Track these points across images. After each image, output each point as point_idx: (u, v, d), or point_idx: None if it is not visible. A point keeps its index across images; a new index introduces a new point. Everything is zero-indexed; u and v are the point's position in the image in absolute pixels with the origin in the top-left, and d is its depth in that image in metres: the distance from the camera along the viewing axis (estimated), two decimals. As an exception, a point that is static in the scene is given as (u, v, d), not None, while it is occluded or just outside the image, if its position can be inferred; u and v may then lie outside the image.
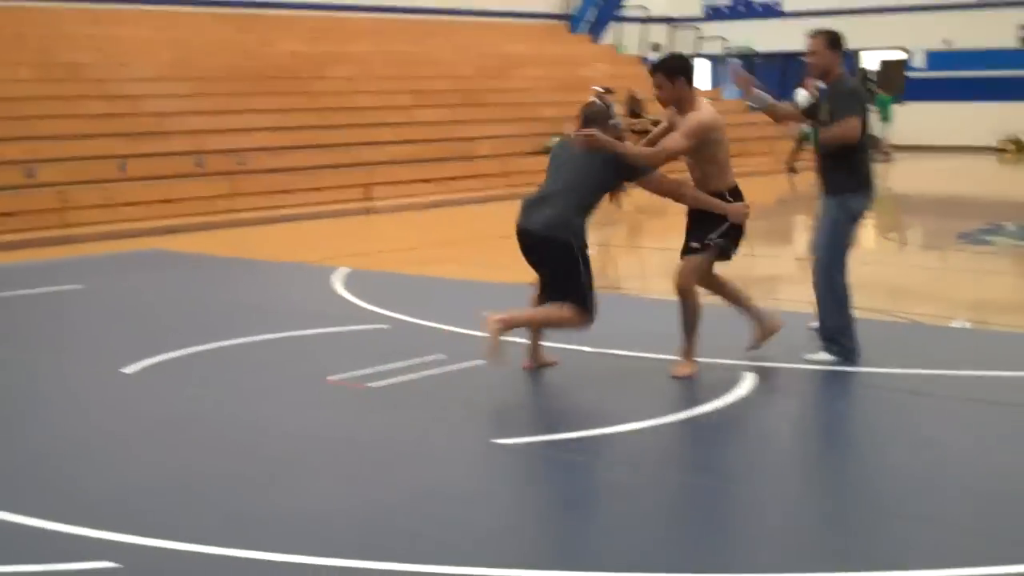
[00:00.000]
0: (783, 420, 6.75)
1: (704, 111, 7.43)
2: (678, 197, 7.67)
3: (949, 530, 4.95)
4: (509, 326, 7.31)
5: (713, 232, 7.62)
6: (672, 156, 7.44)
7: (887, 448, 6.26)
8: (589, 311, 7.39)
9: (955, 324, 9.09)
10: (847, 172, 7.81)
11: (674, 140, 7.37)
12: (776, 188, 23.04)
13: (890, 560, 4.62)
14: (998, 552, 4.67)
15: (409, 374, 7.56)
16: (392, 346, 8.38)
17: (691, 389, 7.22)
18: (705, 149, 7.44)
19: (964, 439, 6.27)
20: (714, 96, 31.38)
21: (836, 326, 7.86)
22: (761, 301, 10.40)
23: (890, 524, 5.02)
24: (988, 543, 4.78)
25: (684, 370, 7.49)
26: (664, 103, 7.64)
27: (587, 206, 7.44)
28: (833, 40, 7.96)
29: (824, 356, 7.84)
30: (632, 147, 7.52)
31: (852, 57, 31.87)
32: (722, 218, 7.58)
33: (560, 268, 7.35)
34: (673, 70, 7.55)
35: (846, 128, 7.63)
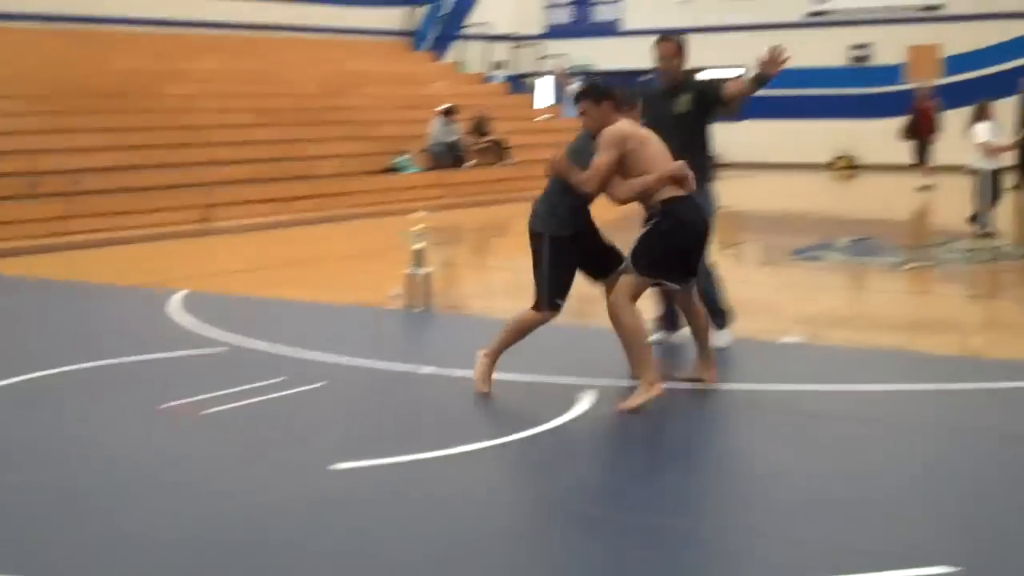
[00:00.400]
0: (617, 438, 6.79)
1: (618, 123, 7.45)
2: (634, 195, 7.46)
3: (776, 542, 5.03)
4: (495, 354, 7.56)
5: (645, 251, 7.38)
6: (603, 173, 7.37)
7: (719, 462, 6.36)
8: (542, 303, 7.49)
9: (786, 339, 9.28)
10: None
11: (598, 157, 7.37)
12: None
13: (722, 574, 4.69)
14: (826, 562, 4.76)
15: (246, 399, 7.45)
16: (229, 370, 8.25)
17: (531, 408, 7.23)
18: (629, 163, 7.40)
19: (790, 451, 6.39)
20: (554, 112, 31.65)
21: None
22: (606, 319, 10.54)
23: (723, 538, 5.09)
24: (814, 553, 4.88)
25: (634, 401, 7.16)
26: (592, 128, 7.57)
27: (558, 203, 7.58)
28: (681, 46, 8.67)
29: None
30: (577, 173, 7.43)
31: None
32: (658, 237, 7.37)
33: (533, 258, 7.57)
34: (599, 94, 7.57)
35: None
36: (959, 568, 4.65)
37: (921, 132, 25.29)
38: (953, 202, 19.75)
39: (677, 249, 7.40)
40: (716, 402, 7.56)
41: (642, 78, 8.83)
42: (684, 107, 8.53)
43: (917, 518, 5.37)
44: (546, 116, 30.58)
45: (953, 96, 29.68)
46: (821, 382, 7.88)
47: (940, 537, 5.12)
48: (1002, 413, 7.26)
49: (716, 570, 4.85)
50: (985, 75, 29.31)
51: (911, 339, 9.46)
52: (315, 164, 22.16)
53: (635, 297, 7.36)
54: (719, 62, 32.20)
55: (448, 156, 24.28)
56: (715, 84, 8.70)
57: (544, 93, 35.07)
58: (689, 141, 8.37)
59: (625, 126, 7.44)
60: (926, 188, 23.80)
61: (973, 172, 15.95)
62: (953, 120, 28.54)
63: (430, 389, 7.87)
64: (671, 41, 8.73)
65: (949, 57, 30.14)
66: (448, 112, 24.42)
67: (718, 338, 8.62)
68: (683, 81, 8.82)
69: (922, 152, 25.35)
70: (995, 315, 11.27)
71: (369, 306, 10.95)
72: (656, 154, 7.43)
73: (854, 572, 4.64)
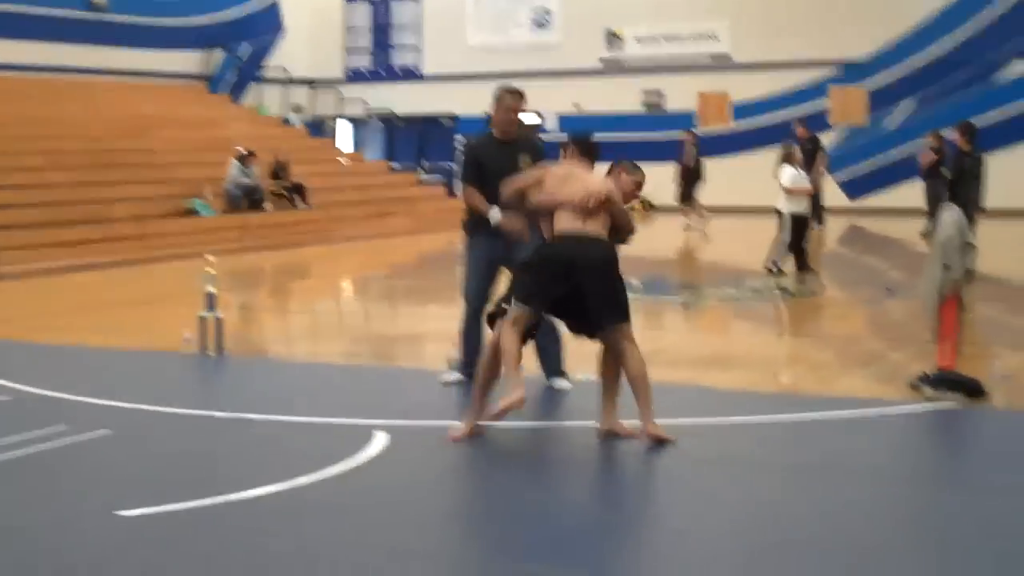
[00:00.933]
0: (410, 481, 6.77)
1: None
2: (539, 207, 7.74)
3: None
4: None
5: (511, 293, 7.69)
6: (537, 202, 7.71)
7: (514, 505, 6.42)
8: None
9: (580, 377, 9.40)
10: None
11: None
12: (417, 247, 23.38)
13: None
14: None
15: (27, 447, 7.21)
16: (11, 419, 7.97)
17: (322, 449, 7.16)
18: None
19: (569, 486, 6.48)
20: (356, 158, 31.63)
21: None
22: (404, 360, 10.56)
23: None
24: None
25: (459, 431, 7.43)
26: None
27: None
28: (524, 99, 9.10)
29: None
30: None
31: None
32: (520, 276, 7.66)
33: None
34: (587, 150, 7.78)
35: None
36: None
37: (686, 177, 26.12)
38: (732, 243, 20.40)
39: (534, 279, 7.44)
40: (501, 440, 7.62)
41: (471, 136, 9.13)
42: (526, 164, 8.67)
43: (715, 551, 5.50)
44: (347, 161, 30.53)
45: (743, 142, 30.76)
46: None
47: (728, 568, 5.23)
48: (793, 444, 7.49)
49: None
50: (770, 123, 30.37)
51: (703, 374, 9.67)
52: (109, 207, 21.65)
53: (514, 323, 7.38)
54: (517, 107, 32.67)
55: (246, 199, 24.00)
56: (541, 144, 9.15)
57: (346, 137, 35.02)
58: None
59: (555, 170, 7.76)
60: (689, 228, 24.97)
61: (778, 214, 16.40)
62: (725, 165, 29.69)
63: (221, 434, 7.74)
64: (519, 94, 8.89)
65: (737, 105, 31.10)
66: (246, 155, 24.16)
67: (557, 383, 8.91)
68: (521, 136, 9.06)
69: (687, 195, 26.10)
70: (786, 351, 11.61)
71: (162, 351, 10.72)
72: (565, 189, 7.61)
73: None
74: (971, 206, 14.00)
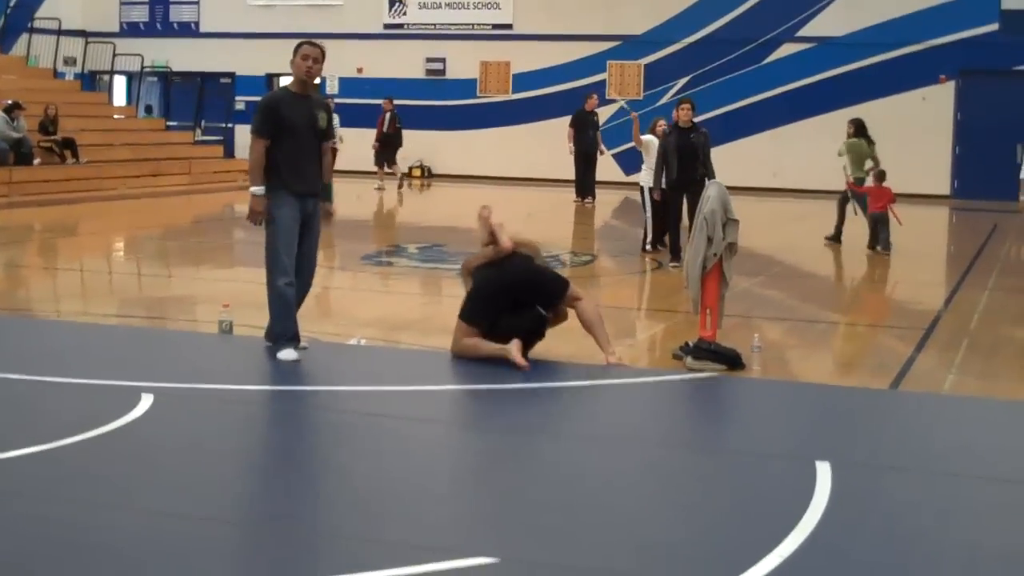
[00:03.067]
0: (181, 441, 6.71)
1: None
2: None
3: (332, 539, 5.15)
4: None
5: None
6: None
7: (281, 464, 6.42)
8: None
9: (352, 341, 9.43)
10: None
11: None
12: (192, 208, 22.96)
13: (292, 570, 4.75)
14: (370, 557, 4.90)
15: None
16: None
17: (88, 411, 7.03)
18: None
19: (352, 451, 6.53)
20: (129, 113, 30.83)
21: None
22: (175, 322, 10.40)
23: (290, 537, 5.15)
24: (359, 550, 5.02)
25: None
26: None
27: None
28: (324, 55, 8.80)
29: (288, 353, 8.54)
30: None
31: (267, 81, 32.34)
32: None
33: None
34: None
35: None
36: (496, 559, 4.89)
37: (381, 141, 27.22)
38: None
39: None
40: (285, 404, 7.62)
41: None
42: (324, 123, 8.75)
43: (459, 513, 5.61)
44: (121, 116, 29.72)
45: (520, 112, 31.06)
46: (385, 383, 8.07)
47: (477, 531, 5.36)
48: (557, 410, 7.68)
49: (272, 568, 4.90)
50: (549, 93, 30.77)
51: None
52: None
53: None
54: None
55: (13, 153, 23.14)
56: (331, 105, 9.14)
57: (120, 91, 34.05)
58: (318, 153, 8.76)
59: None
60: (380, 189, 26.36)
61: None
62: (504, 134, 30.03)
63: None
64: (319, 47, 8.65)
65: (517, 74, 31.36)
66: (13, 107, 23.29)
67: (283, 355, 8.57)
68: (314, 94, 8.88)
69: (381, 158, 27.22)
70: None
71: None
72: None
73: (388, 567, 4.80)
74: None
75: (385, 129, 27.16)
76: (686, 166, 14.44)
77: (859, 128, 17.78)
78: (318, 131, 8.72)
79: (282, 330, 8.66)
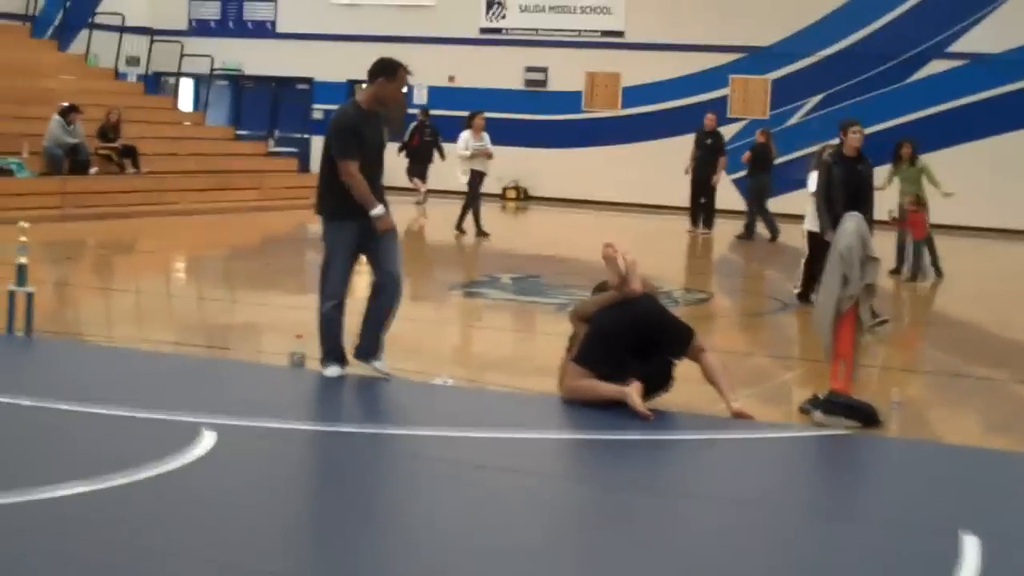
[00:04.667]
0: (241, 484, 6.75)
1: None
2: None
3: None
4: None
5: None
6: None
7: (356, 516, 6.44)
8: None
9: (438, 381, 9.44)
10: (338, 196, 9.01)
11: None
12: (262, 227, 23.20)
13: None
14: None
15: None
16: None
17: (142, 448, 7.10)
18: None
19: (438, 502, 6.53)
20: (196, 120, 31.29)
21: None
22: (240, 352, 10.51)
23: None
24: None
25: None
26: None
27: None
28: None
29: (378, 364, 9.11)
30: None
31: (348, 88, 32.66)
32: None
33: None
34: None
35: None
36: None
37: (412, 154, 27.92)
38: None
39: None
40: (358, 446, 7.64)
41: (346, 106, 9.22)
42: (386, 138, 9.30)
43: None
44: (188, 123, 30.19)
45: (630, 129, 30.98)
46: (472, 428, 8.07)
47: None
48: (672, 467, 7.63)
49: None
50: (662, 109, 30.71)
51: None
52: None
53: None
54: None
55: (68, 160, 23.54)
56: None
57: (187, 95, 34.57)
58: (381, 170, 9.27)
59: None
60: (419, 203, 26.91)
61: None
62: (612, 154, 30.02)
63: (26, 423, 7.64)
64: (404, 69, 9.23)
65: (627, 87, 31.32)
66: (69, 110, 23.72)
67: (329, 371, 9.15)
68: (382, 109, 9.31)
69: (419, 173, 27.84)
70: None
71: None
72: None
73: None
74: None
75: (415, 141, 27.75)
76: (855, 205, 12.46)
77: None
78: (382, 148, 9.23)
79: (328, 348, 9.17)
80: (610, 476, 7.35)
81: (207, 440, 7.28)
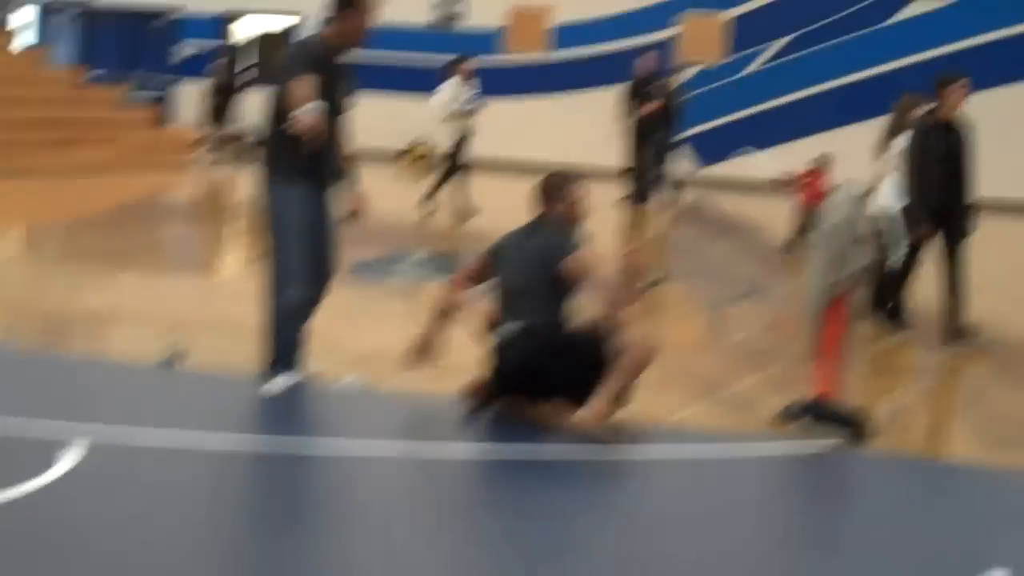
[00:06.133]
0: (118, 508, 6.68)
1: None
2: None
3: None
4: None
5: None
6: None
7: (251, 549, 6.40)
8: None
9: (346, 380, 9.40)
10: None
11: None
12: (115, 192, 22.98)
13: None
14: None
15: None
16: None
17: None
18: None
19: (349, 535, 6.49)
20: (37, 59, 30.84)
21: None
22: (87, 345, 10.40)
23: None
24: None
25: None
26: None
27: None
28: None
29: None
30: None
31: (223, 25, 32.37)
32: None
33: None
34: None
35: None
36: None
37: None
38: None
39: None
40: (256, 461, 7.61)
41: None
42: (345, 94, 9.20)
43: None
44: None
45: (558, 77, 30.96)
46: (388, 438, 8.17)
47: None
48: (623, 487, 7.65)
49: None
50: (598, 54, 30.68)
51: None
52: None
53: None
54: (269, 6, 32.36)
55: None
56: None
57: (26, 29, 34.14)
58: (343, 132, 9.26)
59: None
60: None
61: None
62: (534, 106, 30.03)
63: None
64: None
65: (558, 27, 31.25)
66: None
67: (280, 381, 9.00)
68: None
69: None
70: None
71: None
72: None
73: None
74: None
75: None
76: (952, 183, 12.36)
77: None
78: (339, 104, 9.05)
79: (282, 353, 9.03)
80: (556, 505, 7.33)
81: (74, 454, 7.23)
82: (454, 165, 21.21)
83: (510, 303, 8.72)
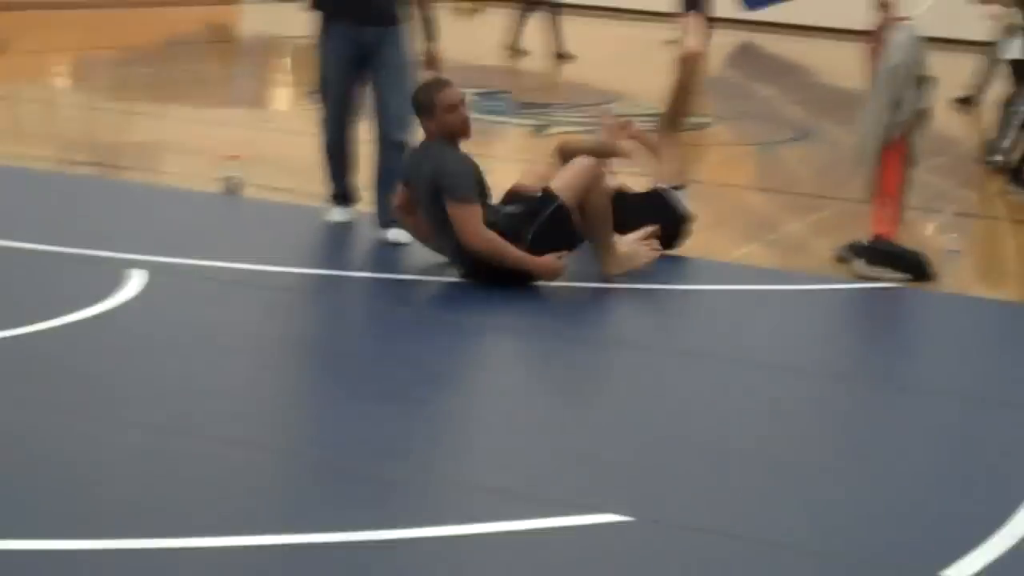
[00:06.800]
0: (176, 333, 6.71)
1: None
2: None
3: (440, 482, 5.16)
4: None
5: None
6: None
7: (319, 374, 6.44)
8: None
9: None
10: None
11: None
12: (163, 23, 22.89)
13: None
14: (486, 507, 4.90)
15: None
16: None
17: (54, 290, 7.07)
18: None
19: (425, 360, 6.53)
20: None
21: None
22: (137, 174, 10.42)
23: (330, 472, 5.16)
24: (469, 498, 5.01)
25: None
26: None
27: None
28: None
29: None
30: None
31: None
32: None
33: None
34: None
35: None
36: (628, 518, 4.86)
37: None
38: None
39: None
40: (325, 290, 7.65)
41: None
42: None
43: (566, 453, 5.61)
44: None
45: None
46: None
47: (605, 484, 5.33)
48: (680, 325, 7.67)
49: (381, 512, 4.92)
50: None
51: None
52: None
53: None
54: None
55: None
56: None
57: None
58: None
59: None
60: None
61: None
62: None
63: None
64: None
65: None
66: None
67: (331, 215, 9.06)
68: None
69: None
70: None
71: None
72: None
73: (517, 518, 4.82)
74: None
75: None
76: None
77: None
78: None
79: (333, 188, 9.05)
80: (617, 334, 7.40)
81: (135, 281, 7.26)
82: (534, 2, 20.80)
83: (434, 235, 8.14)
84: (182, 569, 4.31)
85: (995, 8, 15.60)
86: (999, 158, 12.39)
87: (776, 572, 4.58)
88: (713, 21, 23.73)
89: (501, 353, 7.08)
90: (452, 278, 7.88)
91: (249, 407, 5.84)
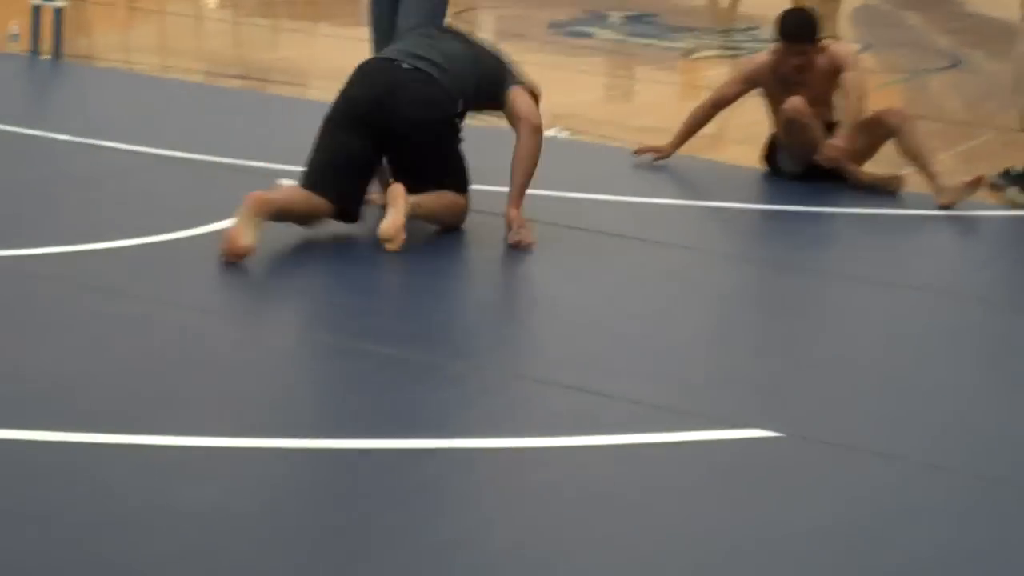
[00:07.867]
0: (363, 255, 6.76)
1: None
2: None
3: (560, 391, 5.14)
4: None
5: None
6: None
7: (459, 290, 6.44)
8: None
9: (551, 132, 9.33)
10: None
11: None
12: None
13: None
14: (617, 417, 4.87)
15: None
16: None
17: (211, 198, 7.11)
18: None
19: (563, 275, 6.51)
20: None
21: None
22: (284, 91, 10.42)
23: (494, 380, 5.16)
24: (602, 408, 4.99)
25: None
26: None
27: None
28: None
29: None
30: None
31: None
32: None
33: None
34: None
35: None
36: (778, 433, 4.82)
37: None
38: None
39: None
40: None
41: None
42: None
43: (718, 368, 5.60)
44: None
45: None
46: (602, 191, 8.04)
47: (754, 401, 5.31)
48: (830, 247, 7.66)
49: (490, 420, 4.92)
50: None
51: (703, 146, 9.60)
52: None
53: None
54: None
55: None
56: None
57: None
58: None
59: None
60: None
61: None
62: None
63: (64, 163, 7.76)
64: None
65: None
66: None
67: None
68: None
69: None
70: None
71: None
72: None
73: (654, 431, 4.81)
74: None
75: None
76: None
77: None
78: None
79: None
80: (770, 254, 7.44)
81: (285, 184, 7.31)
82: None
83: None
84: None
85: None
86: None
87: (939, 494, 4.56)
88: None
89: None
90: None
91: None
